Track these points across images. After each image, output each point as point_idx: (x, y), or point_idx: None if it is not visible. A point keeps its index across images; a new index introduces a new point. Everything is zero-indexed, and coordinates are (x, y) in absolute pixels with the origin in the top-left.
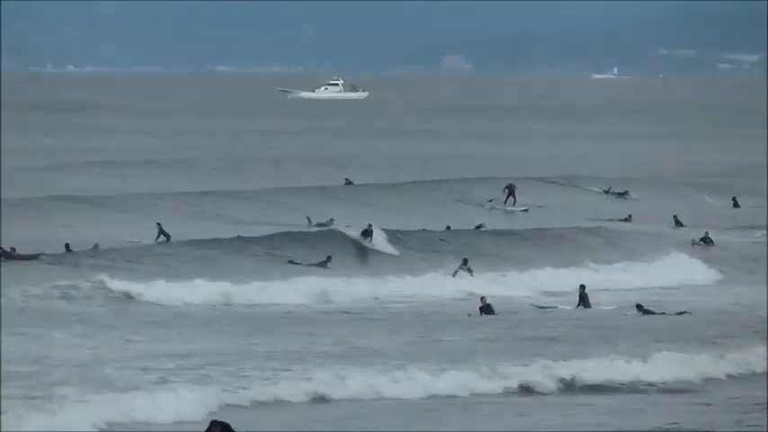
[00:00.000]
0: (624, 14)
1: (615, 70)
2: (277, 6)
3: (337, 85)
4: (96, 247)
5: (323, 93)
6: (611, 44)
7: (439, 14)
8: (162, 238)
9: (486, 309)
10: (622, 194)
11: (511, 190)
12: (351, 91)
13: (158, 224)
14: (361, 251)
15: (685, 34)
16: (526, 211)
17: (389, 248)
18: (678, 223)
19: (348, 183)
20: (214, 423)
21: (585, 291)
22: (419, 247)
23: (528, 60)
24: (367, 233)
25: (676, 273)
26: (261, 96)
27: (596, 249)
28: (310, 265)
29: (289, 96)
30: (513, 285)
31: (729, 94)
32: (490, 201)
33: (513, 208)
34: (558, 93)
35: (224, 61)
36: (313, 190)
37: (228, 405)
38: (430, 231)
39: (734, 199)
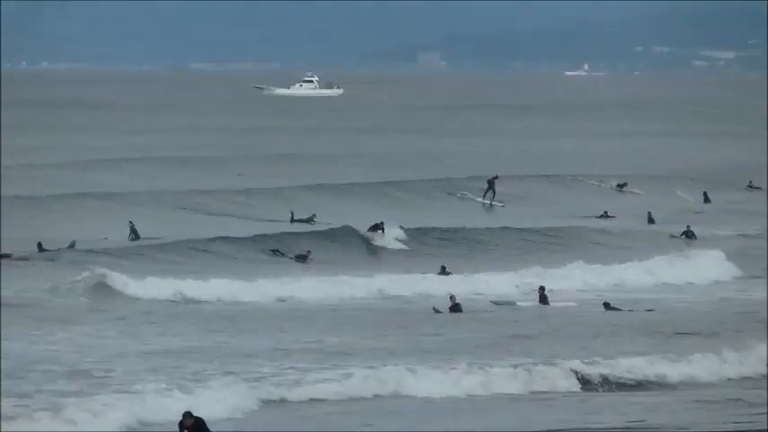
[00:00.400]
0: (599, 13)
1: (586, 67)
2: (252, 4)
3: (312, 81)
4: (73, 245)
5: (298, 90)
6: (587, 42)
7: (414, 12)
8: (132, 236)
9: (455, 308)
10: (621, 186)
11: (491, 184)
12: (326, 88)
13: (130, 222)
14: (370, 248)
15: (661, 32)
16: (503, 205)
17: (398, 245)
18: (651, 220)
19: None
20: (187, 414)
21: (545, 292)
22: (436, 244)
23: (504, 58)
24: (377, 228)
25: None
26: (235, 94)
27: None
28: (291, 258)
29: (264, 93)
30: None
31: (712, 91)
32: (463, 192)
33: (492, 202)
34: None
35: (199, 58)
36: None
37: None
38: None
39: (704, 194)
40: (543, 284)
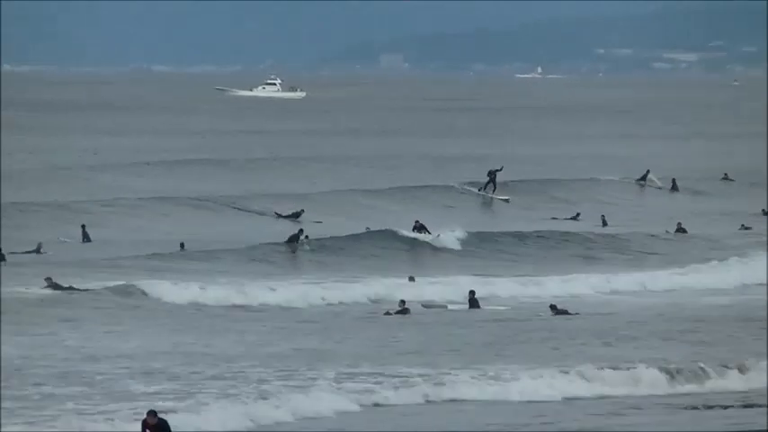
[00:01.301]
0: (562, 14)
1: (539, 70)
2: (212, 5)
3: (275, 84)
4: (39, 249)
5: (260, 92)
6: (549, 43)
7: (376, 13)
8: (86, 240)
9: (404, 311)
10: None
11: (492, 176)
12: (288, 90)
13: (83, 225)
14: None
15: (622, 34)
16: (507, 201)
17: (455, 245)
18: (605, 223)
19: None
20: (151, 413)
21: (475, 296)
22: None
23: (466, 60)
24: (421, 228)
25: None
26: (200, 95)
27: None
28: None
29: (226, 95)
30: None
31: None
32: (464, 185)
33: (492, 195)
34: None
35: (160, 61)
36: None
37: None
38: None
39: (673, 180)
40: (473, 289)
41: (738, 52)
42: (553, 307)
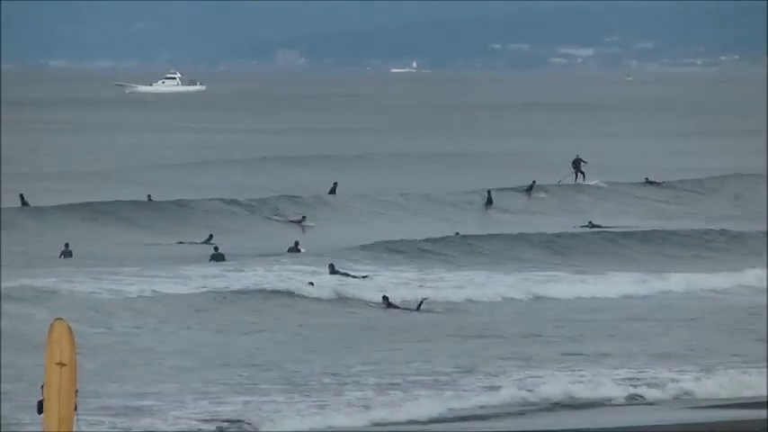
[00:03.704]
0: (460, 12)
1: (414, 64)
2: (108, 4)
3: (174, 78)
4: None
5: (160, 87)
6: (446, 39)
7: (273, 9)
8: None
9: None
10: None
11: (577, 165)
12: (188, 85)
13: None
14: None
15: (519, 30)
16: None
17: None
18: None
19: None
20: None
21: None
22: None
23: (361, 56)
24: None
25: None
26: (100, 91)
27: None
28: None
29: (126, 91)
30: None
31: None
32: (559, 181)
33: (584, 183)
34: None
35: (57, 56)
36: None
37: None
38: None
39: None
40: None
41: (634, 48)
42: (385, 298)
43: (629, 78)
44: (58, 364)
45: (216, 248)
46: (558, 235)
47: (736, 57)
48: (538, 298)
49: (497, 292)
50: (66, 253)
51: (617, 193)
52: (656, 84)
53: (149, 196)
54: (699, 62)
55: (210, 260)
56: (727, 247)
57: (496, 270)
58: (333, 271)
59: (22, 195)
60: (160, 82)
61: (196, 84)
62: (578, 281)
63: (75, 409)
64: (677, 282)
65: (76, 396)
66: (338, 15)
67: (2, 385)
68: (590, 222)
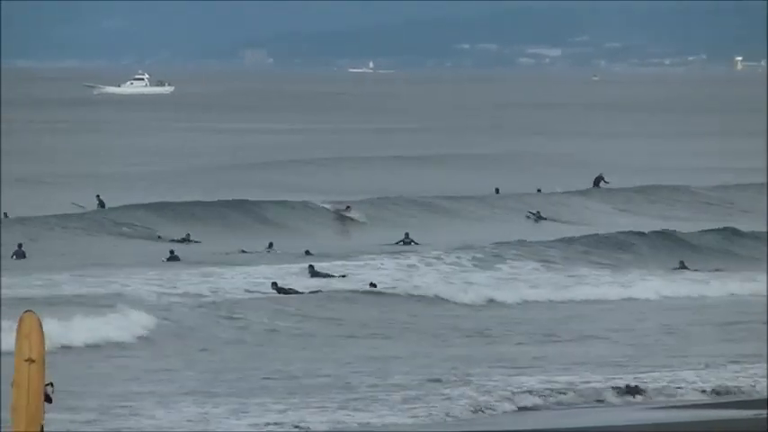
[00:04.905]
0: (424, 12)
1: (371, 64)
2: (72, 4)
3: (143, 79)
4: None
5: (128, 88)
6: (412, 39)
7: (240, 9)
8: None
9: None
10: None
11: (597, 181)
12: (157, 86)
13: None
14: None
15: (488, 29)
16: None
17: None
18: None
19: None
20: None
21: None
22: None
23: (329, 55)
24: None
25: None
26: (70, 92)
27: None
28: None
29: (95, 92)
30: None
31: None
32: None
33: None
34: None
35: (24, 56)
36: None
37: None
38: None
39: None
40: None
41: (602, 48)
42: (274, 284)
43: (596, 78)
44: (27, 360)
45: (172, 251)
46: None
47: (704, 57)
48: None
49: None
50: (19, 254)
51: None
52: (623, 84)
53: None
54: (667, 62)
55: (168, 260)
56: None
57: None
58: (312, 271)
59: None
60: (128, 83)
61: (164, 85)
62: None
63: (51, 401)
64: None
65: (53, 390)
66: (307, 15)
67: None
68: None
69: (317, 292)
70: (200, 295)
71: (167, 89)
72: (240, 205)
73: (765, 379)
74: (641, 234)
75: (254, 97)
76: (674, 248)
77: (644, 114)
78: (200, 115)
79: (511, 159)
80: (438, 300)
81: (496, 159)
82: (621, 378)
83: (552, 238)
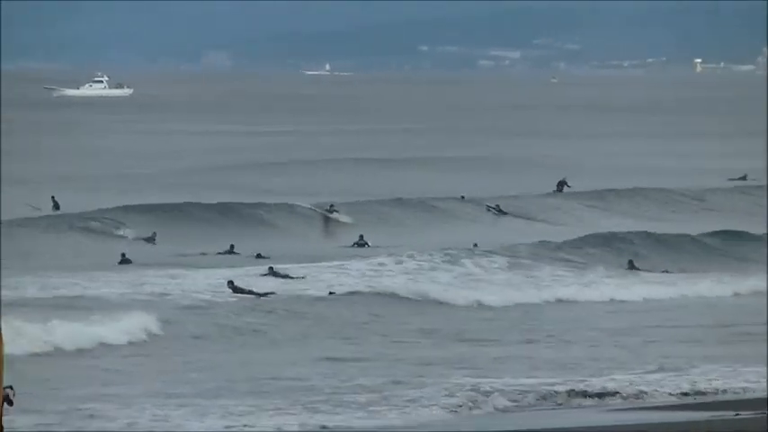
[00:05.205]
0: (385, 14)
1: (327, 66)
2: (32, 4)
3: (102, 81)
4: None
5: (87, 90)
6: (375, 42)
7: (199, 11)
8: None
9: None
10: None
11: (561, 186)
12: (116, 88)
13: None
14: None
15: (448, 31)
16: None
17: None
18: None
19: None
20: None
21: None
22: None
23: (287, 57)
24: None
25: None
26: (30, 94)
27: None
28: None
29: (54, 95)
30: None
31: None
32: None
33: None
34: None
35: None
36: None
37: None
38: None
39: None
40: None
41: (562, 50)
42: (230, 283)
43: (555, 80)
44: None
45: (123, 254)
46: None
47: (664, 59)
48: None
49: None
50: None
51: None
52: (582, 86)
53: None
54: (626, 64)
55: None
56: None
57: None
58: (272, 272)
59: None
60: (87, 85)
61: (123, 87)
62: None
63: (11, 404)
64: None
65: (14, 393)
66: (267, 18)
67: None
68: None
69: (272, 293)
70: (162, 295)
71: (126, 91)
72: (211, 208)
73: (714, 381)
74: (599, 236)
75: (211, 100)
76: (623, 250)
77: (603, 115)
78: (157, 116)
79: (474, 162)
80: (399, 299)
81: (458, 162)
82: (583, 380)
83: (518, 239)
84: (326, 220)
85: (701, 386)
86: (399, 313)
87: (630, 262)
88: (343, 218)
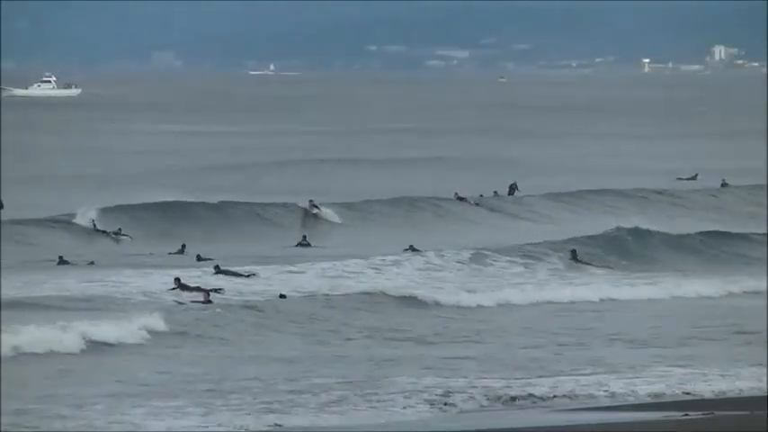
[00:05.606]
0: (335, 13)
1: (272, 66)
2: None
3: (50, 82)
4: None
5: (36, 90)
6: (321, 42)
7: (147, 10)
8: None
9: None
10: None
11: (512, 189)
12: (64, 88)
13: None
14: None
15: (395, 31)
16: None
17: None
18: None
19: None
20: None
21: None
22: None
23: (238, 56)
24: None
25: None
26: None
27: None
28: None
29: (3, 95)
30: None
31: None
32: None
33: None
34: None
35: None
36: None
37: None
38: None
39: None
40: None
41: (510, 50)
42: (177, 280)
43: (503, 80)
44: None
45: (61, 257)
46: None
47: (612, 58)
48: None
49: None
50: None
51: None
52: (531, 85)
53: None
54: (574, 64)
55: (58, 264)
56: None
57: None
58: (218, 271)
59: None
60: (36, 85)
61: (71, 87)
62: None
63: None
64: None
65: None
66: (214, 17)
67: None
68: None
69: (219, 290)
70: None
71: (74, 91)
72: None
73: (646, 384)
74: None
75: (158, 99)
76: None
77: (551, 115)
78: (104, 115)
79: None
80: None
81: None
82: (536, 381)
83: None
84: (309, 217)
85: (656, 388)
86: (353, 314)
87: (573, 252)
88: (329, 214)
